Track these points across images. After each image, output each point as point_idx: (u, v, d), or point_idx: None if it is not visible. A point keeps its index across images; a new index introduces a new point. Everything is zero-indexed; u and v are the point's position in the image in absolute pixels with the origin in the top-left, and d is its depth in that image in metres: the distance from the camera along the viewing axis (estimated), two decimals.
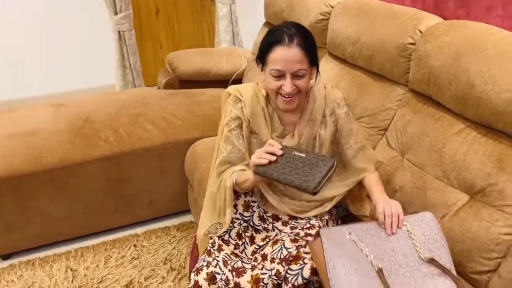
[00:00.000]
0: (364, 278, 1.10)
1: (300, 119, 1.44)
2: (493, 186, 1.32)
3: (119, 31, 3.11)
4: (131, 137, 2.19)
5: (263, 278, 1.27)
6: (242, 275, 1.29)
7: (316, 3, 2.22)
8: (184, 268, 2.04)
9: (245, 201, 1.49)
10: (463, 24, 1.53)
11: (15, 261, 2.13)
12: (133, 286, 1.95)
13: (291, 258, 1.26)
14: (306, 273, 1.24)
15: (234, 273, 1.30)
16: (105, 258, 2.12)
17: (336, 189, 1.48)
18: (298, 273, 1.24)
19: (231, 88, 1.48)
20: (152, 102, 2.45)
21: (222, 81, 2.75)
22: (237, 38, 3.44)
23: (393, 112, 1.75)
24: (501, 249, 1.27)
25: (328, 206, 1.47)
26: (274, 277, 1.26)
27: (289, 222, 1.45)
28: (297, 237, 1.33)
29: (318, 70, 1.40)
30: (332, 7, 2.15)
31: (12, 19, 3.47)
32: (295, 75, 1.30)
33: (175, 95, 2.56)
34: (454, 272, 1.17)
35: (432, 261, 1.14)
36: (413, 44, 1.64)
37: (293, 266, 1.25)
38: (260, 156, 1.26)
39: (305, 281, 1.24)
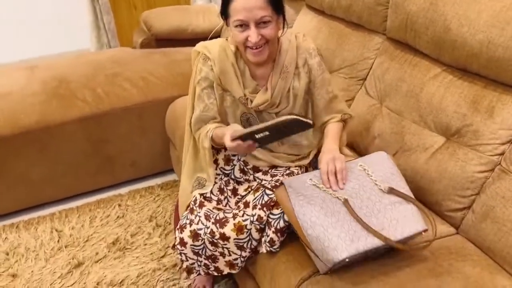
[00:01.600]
0: (330, 212, 1.14)
1: (272, 72, 1.39)
2: (468, 127, 1.35)
3: None
4: (109, 96, 2.17)
5: (246, 225, 1.30)
6: (225, 225, 1.32)
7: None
8: (169, 224, 2.07)
9: (225, 155, 1.50)
10: None
11: None
12: (120, 243, 1.97)
13: (272, 203, 1.29)
14: (286, 216, 1.27)
15: (217, 224, 1.33)
16: (90, 218, 2.13)
17: (309, 141, 1.50)
18: (280, 216, 1.28)
19: (200, 46, 1.43)
20: (129, 62, 2.40)
21: (199, 39, 2.64)
22: None
23: (371, 61, 1.76)
24: (475, 186, 1.33)
25: (305, 161, 1.49)
26: (256, 222, 1.29)
27: (270, 171, 1.47)
28: (277, 183, 1.35)
29: (285, 19, 1.34)
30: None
31: None
32: (259, 24, 1.25)
33: (152, 54, 2.51)
34: (413, 197, 1.22)
35: (392, 190, 1.19)
36: None
37: (275, 211, 1.29)
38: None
39: (286, 223, 1.28)
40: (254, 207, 1.32)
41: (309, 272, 1.23)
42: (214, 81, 1.40)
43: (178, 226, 1.41)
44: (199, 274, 1.46)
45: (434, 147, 1.44)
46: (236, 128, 1.29)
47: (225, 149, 1.49)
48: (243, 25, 1.25)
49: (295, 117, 1.15)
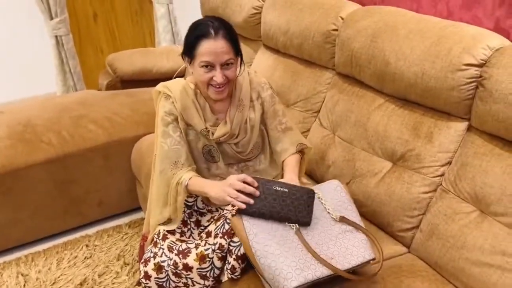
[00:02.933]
0: (282, 240, 1.20)
1: (230, 106, 1.51)
2: (411, 152, 1.47)
3: (56, 36, 3.09)
4: (75, 138, 2.20)
5: (208, 254, 1.35)
6: (188, 255, 1.37)
7: None
8: (137, 262, 2.08)
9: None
10: (378, 9, 1.68)
11: None
12: (88, 284, 1.97)
13: (232, 232, 1.35)
14: None
15: (180, 255, 1.37)
16: (57, 260, 2.12)
17: (267, 173, 1.59)
18: (240, 244, 1.33)
19: (160, 86, 1.52)
20: (94, 104, 2.46)
21: (164, 79, 2.72)
22: (177, 37, 3.49)
23: (323, 94, 1.88)
24: (421, 206, 1.43)
25: None
26: (218, 251, 1.34)
27: None
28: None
29: (242, 60, 1.47)
30: (263, 0, 2.26)
31: None
32: (224, 66, 1.37)
33: (117, 95, 2.58)
34: (363, 225, 1.29)
35: (343, 219, 1.27)
36: (336, 30, 1.78)
37: (235, 239, 1.34)
38: (235, 197, 1.27)
39: None
40: (216, 236, 1.38)
41: None
42: (178, 115, 1.48)
43: (142, 260, 1.44)
44: None
45: (382, 172, 1.54)
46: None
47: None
48: (209, 66, 1.37)
49: (311, 189, 1.28)
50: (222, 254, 1.34)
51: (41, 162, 2.10)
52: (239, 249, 1.33)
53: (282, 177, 1.54)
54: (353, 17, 1.72)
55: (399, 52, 1.48)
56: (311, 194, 1.26)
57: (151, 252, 1.43)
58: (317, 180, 1.78)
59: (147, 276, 1.40)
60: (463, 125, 1.39)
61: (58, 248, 2.21)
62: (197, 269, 1.36)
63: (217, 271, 1.37)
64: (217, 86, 1.40)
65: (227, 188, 1.30)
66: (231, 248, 1.34)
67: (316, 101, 1.89)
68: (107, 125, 2.30)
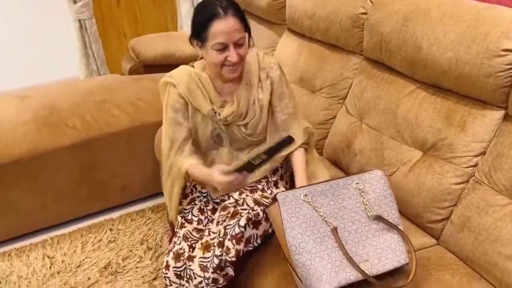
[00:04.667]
0: (319, 238, 1.17)
1: (238, 86, 1.49)
2: (443, 141, 1.41)
3: (79, 20, 3.08)
4: (98, 122, 2.21)
5: (213, 243, 1.36)
6: (194, 247, 1.39)
7: None
8: (160, 247, 2.10)
9: None
10: None
11: None
12: (112, 267, 1.99)
13: (240, 236, 1.32)
14: (242, 222, 1.31)
15: (191, 249, 1.39)
16: (81, 243, 2.15)
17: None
18: (235, 224, 1.32)
19: (165, 77, 1.52)
20: (118, 88, 2.46)
21: (186, 64, 2.76)
22: None
23: (350, 80, 1.83)
24: (452, 197, 1.38)
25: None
26: (220, 238, 1.34)
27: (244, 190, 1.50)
28: (264, 203, 1.40)
29: (250, 36, 1.44)
30: None
31: None
32: (236, 44, 1.36)
33: (140, 80, 2.57)
34: (401, 227, 1.24)
35: (379, 218, 1.22)
36: (365, 13, 1.72)
37: (231, 221, 1.33)
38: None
39: (242, 229, 1.31)
40: (217, 223, 1.39)
41: None
42: (184, 103, 1.48)
43: (167, 250, 1.44)
44: None
45: (412, 161, 1.49)
46: (222, 168, 1.33)
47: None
48: (223, 47, 1.34)
49: (288, 134, 1.26)
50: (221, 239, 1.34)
51: (66, 146, 2.12)
52: (233, 229, 1.31)
53: (292, 172, 1.54)
54: (383, 0, 1.65)
55: (432, 37, 1.41)
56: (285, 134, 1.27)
57: (173, 242, 1.43)
58: (343, 169, 1.75)
59: (167, 265, 1.40)
60: (499, 113, 1.33)
61: (82, 232, 2.24)
62: (199, 258, 1.35)
63: (216, 261, 1.34)
64: (231, 66, 1.38)
65: (222, 186, 1.33)
66: (226, 231, 1.33)
67: (343, 87, 1.84)
68: (130, 110, 2.30)
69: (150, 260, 2.01)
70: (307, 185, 1.25)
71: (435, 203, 1.40)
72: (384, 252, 1.19)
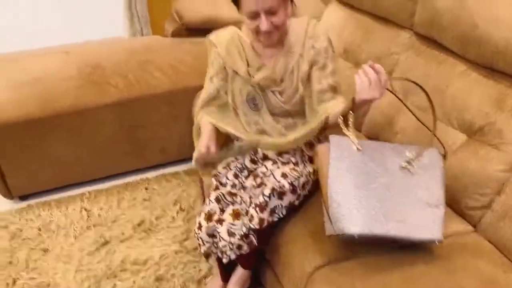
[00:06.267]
0: (362, 186, 1.14)
1: (280, 52, 1.46)
2: (491, 126, 1.35)
3: None
4: (140, 83, 2.24)
5: (243, 212, 1.40)
6: (225, 210, 1.43)
7: None
8: (193, 209, 2.14)
9: (239, 146, 1.56)
10: None
11: (32, 202, 2.24)
12: (145, 225, 2.05)
13: (264, 205, 1.36)
14: (266, 191, 1.34)
15: (221, 212, 1.43)
16: (117, 200, 2.22)
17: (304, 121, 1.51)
18: (260, 193, 1.35)
19: (210, 35, 1.55)
20: (160, 50, 2.47)
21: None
22: None
23: (397, 56, 1.76)
24: (496, 185, 1.33)
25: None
26: (247, 206, 1.39)
27: (278, 159, 1.51)
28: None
29: (292, 2, 1.39)
30: None
31: None
32: (268, 12, 1.30)
33: (182, 43, 2.57)
34: (442, 207, 1.19)
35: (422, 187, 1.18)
36: None
37: (256, 190, 1.37)
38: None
39: (266, 198, 1.34)
40: (250, 204, 1.42)
41: (324, 260, 1.26)
42: (222, 62, 1.50)
43: (199, 211, 1.47)
44: (219, 258, 1.51)
45: (456, 144, 1.44)
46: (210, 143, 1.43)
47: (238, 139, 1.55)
48: (253, 15, 1.31)
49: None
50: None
51: (108, 104, 2.16)
52: (258, 198, 1.35)
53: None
54: None
55: (490, 15, 1.33)
56: None
57: (206, 203, 1.46)
58: None
59: (199, 226, 1.44)
60: None
61: (119, 188, 2.30)
62: (228, 223, 1.38)
63: (244, 229, 1.38)
64: (264, 33, 1.35)
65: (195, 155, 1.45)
66: (251, 200, 1.37)
67: (389, 62, 1.78)
68: (171, 72, 2.31)
69: (182, 221, 2.06)
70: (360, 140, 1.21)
71: (476, 190, 1.36)
72: (422, 222, 1.15)
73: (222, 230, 1.39)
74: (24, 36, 3.58)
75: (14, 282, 1.79)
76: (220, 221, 1.40)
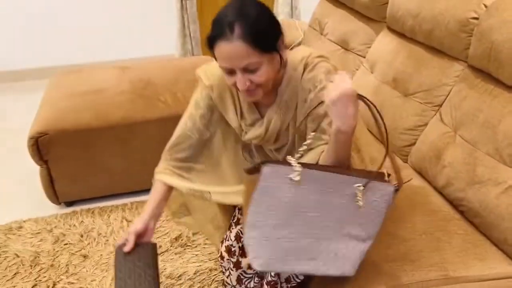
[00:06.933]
0: (280, 224, 1.06)
1: (273, 104, 1.24)
2: None
3: (181, 0, 3.21)
4: (187, 100, 2.26)
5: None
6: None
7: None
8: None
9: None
10: None
11: (77, 208, 2.32)
12: (182, 240, 2.07)
13: None
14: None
15: (240, 251, 1.38)
16: None
17: None
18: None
19: (201, 71, 1.36)
20: None
21: None
22: (295, 11, 3.45)
23: (449, 88, 1.72)
24: None
25: None
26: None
27: None
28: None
29: (280, 54, 1.14)
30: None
31: None
32: (246, 70, 1.10)
33: None
34: (370, 242, 1.13)
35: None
36: (476, 18, 1.60)
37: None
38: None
39: (274, 279, 1.29)
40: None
41: None
42: (212, 105, 1.33)
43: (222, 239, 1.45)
44: None
45: (507, 182, 1.37)
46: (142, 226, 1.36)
47: None
48: (229, 71, 1.12)
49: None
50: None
51: (157, 119, 2.23)
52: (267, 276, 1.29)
53: None
54: (499, 6, 1.52)
55: None
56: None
57: (226, 235, 1.43)
58: (428, 179, 1.66)
59: (222, 256, 1.42)
60: None
61: None
62: (241, 270, 1.37)
63: (252, 284, 1.37)
64: (245, 91, 1.14)
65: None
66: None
67: (440, 94, 1.74)
68: None
69: (218, 239, 2.07)
70: (308, 165, 1.07)
71: None
72: (336, 258, 1.10)
73: (233, 275, 1.37)
74: (90, 49, 3.80)
75: (54, 285, 1.85)
76: (237, 264, 1.36)
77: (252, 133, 1.27)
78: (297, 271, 1.09)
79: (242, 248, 1.35)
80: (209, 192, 1.35)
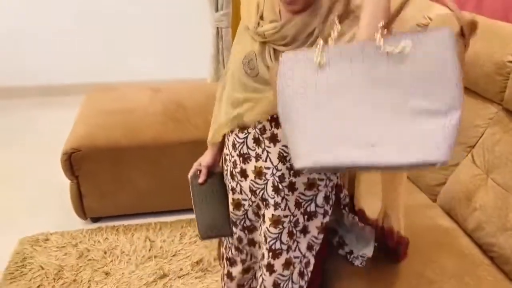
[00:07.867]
0: (317, 110, 0.91)
1: (302, 14, 1.13)
2: None
3: (217, 27, 3.29)
4: None
5: (266, 174, 1.26)
6: (248, 162, 1.31)
7: (414, 13, 2.21)
8: None
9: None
10: None
11: (102, 225, 2.35)
12: (203, 264, 2.07)
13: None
14: (320, 200, 1.26)
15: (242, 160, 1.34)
16: (180, 234, 2.28)
17: None
18: (312, 199, 1.25)
19: None
20: None
21: None
22: None
23: (482, 130, 1.70)
24: None
25: None
26: (276, 179, 1.24)
27: None
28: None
29: None
30: (430, 19, 2.12)
31: (120, 10, 3.81)
32: None
33: None
34: (457, 113, 0.84)
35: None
36: None
37: (307, 192, 1.24)
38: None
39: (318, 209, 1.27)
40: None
41: None
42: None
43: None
44: None
45: None
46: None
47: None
48: None
49: None
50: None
51: (187, 142, 2.26)
52: (309, 205, 1.27)
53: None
54: None
55: None
56: None
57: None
58: (458, 221, 1.63)
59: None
60: None
61: (183, 223, 2.36)
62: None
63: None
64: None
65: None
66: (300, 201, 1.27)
67: (473, 135, 1.72)
68: None
69: None
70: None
71: None
72: (410, 140, 0.83)
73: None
74: (126, 68, 3.93)
75: None
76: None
77: (269, 25, 1.15)
78: (349, 162, 0.85)
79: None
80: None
